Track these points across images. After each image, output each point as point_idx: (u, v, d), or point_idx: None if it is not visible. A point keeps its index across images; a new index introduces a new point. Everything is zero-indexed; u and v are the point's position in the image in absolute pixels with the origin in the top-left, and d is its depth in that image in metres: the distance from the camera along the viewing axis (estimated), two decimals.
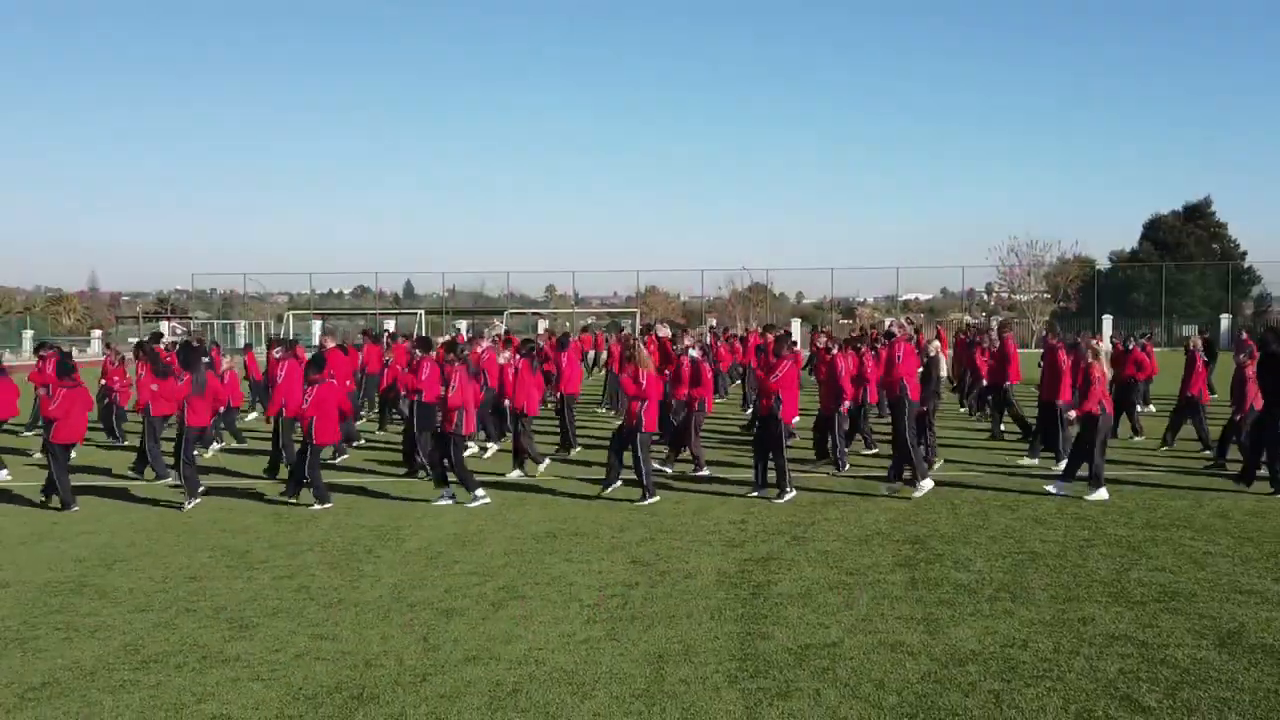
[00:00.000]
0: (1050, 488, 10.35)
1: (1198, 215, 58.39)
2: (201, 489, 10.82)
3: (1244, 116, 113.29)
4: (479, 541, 8.72)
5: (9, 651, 6.06)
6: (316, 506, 10.29)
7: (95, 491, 11.43)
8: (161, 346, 14.85)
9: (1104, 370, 10.34)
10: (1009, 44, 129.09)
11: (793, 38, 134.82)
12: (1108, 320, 46.60)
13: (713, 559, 7.93)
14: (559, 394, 14.01)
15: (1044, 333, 15.29)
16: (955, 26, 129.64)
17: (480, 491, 10.35)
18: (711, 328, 29.35)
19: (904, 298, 61.87)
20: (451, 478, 10.49)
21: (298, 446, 10.90)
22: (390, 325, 46.33)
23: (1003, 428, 15.10)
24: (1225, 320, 45.63)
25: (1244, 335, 15.87)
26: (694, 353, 12.53)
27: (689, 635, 6.06)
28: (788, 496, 10.19)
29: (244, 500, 10.94)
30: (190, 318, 59.02)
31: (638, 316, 52.41)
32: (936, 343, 12.53)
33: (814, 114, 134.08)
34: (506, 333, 21.85)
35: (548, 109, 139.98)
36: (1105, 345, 11.78)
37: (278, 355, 12.51)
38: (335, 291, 74.00)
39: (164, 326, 50.48)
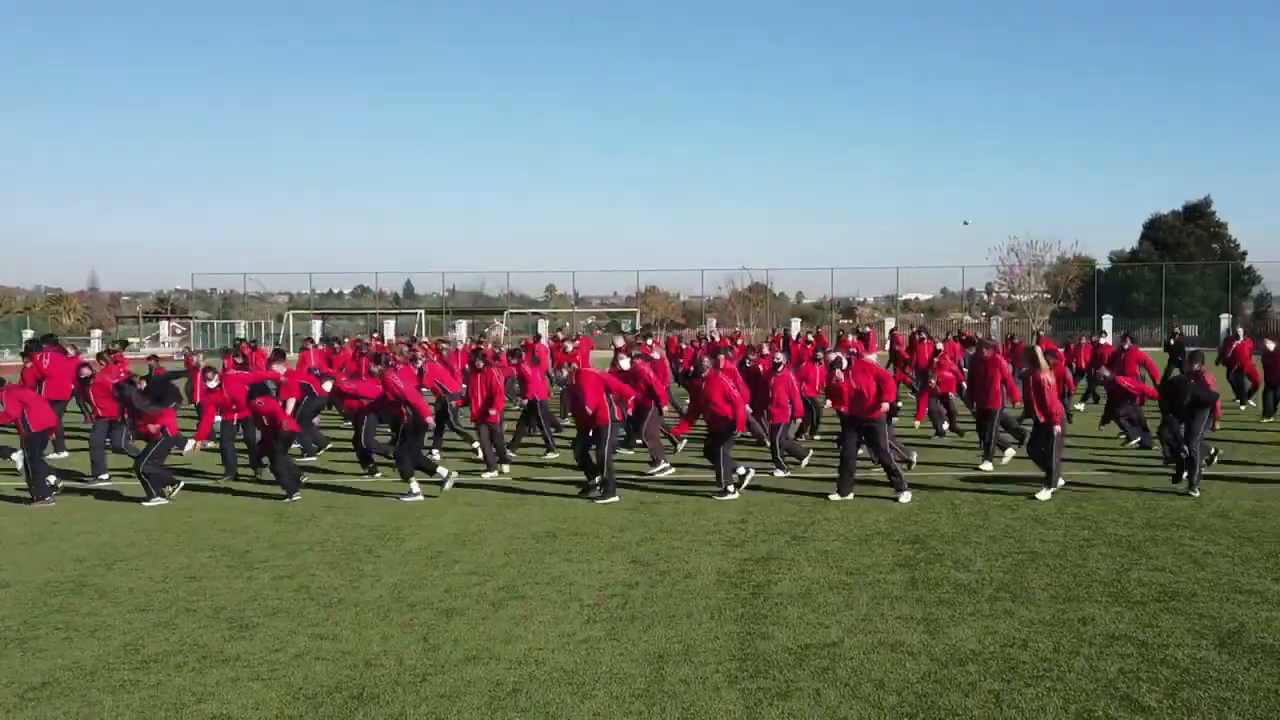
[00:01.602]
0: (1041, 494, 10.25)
1: (1198, 215, 58.38)
2: (171, 491, 10.91)
3: (1244, 116, 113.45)
4: (479, 541, 8.72)
5: (9, 651, 6.06)
6: (288, 499, 10.73)
7: (95, 491, 11.43)
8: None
9: (1052, 378, 10.44)
10: (1009, 44, 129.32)
11: (793, 38, 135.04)
12: (1108, 320, 46.56)
13: (713, 559, 7.93)
14: (528, 400, 14.03)
15: (957, 337, 15.21)
16: (956, 26, 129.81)
17: (415, 487, 10.68)
18: (698, 331, 29.39)
19: (904, 298, 61.90)
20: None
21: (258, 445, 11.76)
22: (390, 326, 46.38)
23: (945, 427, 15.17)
24: (1225, 320, 45.59)
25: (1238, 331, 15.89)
26: (624, 363, 12.58)
27: (689, 635, 6.06)
28: (728, 496, 10.40)
29: (244, 500, 10.95)
30: (190, 317, 59.01)
31: (638, 316, 52.46)
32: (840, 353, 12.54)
33: (814, 114, 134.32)
34: (476, 342, 22.01)
35: (548, 109, 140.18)
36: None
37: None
38: (335, 291, 73.97)
39: (164, 327, 50.37)
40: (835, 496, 10.22)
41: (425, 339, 26.06)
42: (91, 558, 8.41)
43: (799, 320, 48.79)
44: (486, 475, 12.09)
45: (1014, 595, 6.79)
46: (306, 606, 6.84)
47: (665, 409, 11.46)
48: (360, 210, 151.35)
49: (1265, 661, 5.47)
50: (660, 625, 6.26)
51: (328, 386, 13.31)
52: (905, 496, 10.10)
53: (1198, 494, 10.12)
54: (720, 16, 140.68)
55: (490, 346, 19.69)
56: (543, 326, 42.14)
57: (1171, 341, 22.29)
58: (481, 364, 12.90)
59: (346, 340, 23.94)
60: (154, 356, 15.99)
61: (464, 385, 14.13)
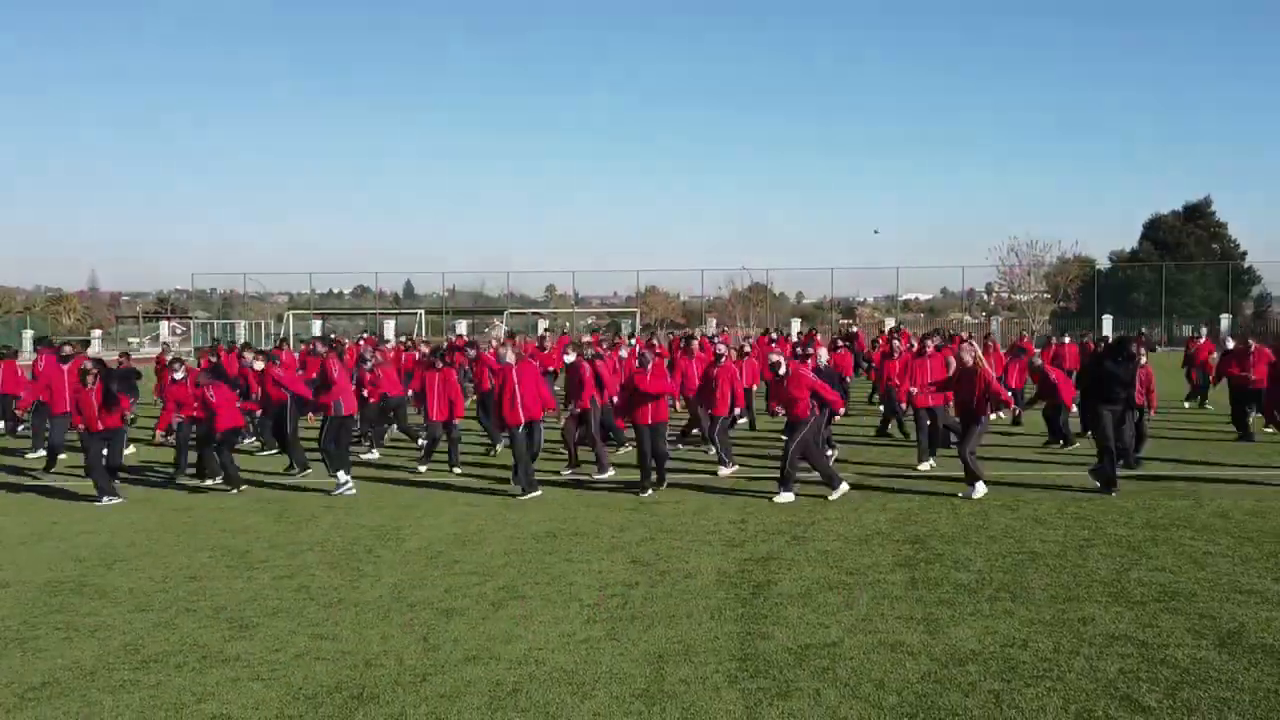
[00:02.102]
0: (972, 493, 10.34)
1: (1198, 215, 58.39)
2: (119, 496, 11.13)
3: (1244, 116, 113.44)
4: (479, 541, 8.72)
5: (9, 651, 6.06)
6: (233, 490, 11.30)
7: (94, 494, 11.41)
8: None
9: (991, 371, 10.72)
10: (1009, 43, 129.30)
11: (793, 38, 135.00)
12: (1108, 320, 46.55)
13: (713, 559, 7.93)
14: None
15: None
16: (956, 27, 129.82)
17: (343, 476, 11.06)
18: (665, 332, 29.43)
19: (904, 298, 61.89)
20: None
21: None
22: (390, 326, 46.37)
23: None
24: (1225, 320, 45.57)
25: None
26: (569, 357, 12.73)
27: (689, 635, 6.06)
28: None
29: (244, 500, 10.95)
30: (190, 317, 58.97)
31: (638, 316, 52.43)
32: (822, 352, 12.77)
33: (814, 113, 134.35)
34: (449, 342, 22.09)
35: (548, 108, 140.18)
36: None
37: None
38: (335, 291, 73.98)
39: (164, 327, 50.29)
40: (834, 496, 10.25)
41: (405, 340, 26.08)
42: (91, 558, 8.41)
43: (799, 320, 48.81)
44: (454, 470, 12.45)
45: (1014, 595, 6.79)
46: (306, 606, 6.84)
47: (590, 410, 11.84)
48: (360, 210, 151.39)
49: (1265, 661, 5.47)
50: (660, 625, 6.26)
51: (259, 365, 13.40)
52: (781, 497, 10.21)
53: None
54: (721, 16, 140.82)
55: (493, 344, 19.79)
56: (542, 326, 42.14)
57: (1144, 336, 23.21)
58: (440, 364, 12.94)
59: (334, 339, 23.96)
60: (124, 354, 16.10)
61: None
